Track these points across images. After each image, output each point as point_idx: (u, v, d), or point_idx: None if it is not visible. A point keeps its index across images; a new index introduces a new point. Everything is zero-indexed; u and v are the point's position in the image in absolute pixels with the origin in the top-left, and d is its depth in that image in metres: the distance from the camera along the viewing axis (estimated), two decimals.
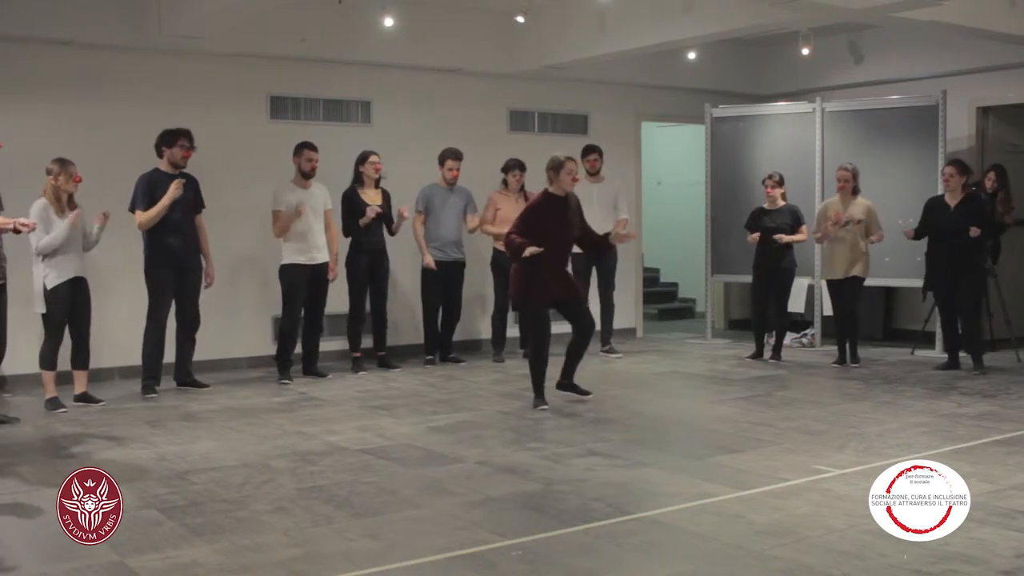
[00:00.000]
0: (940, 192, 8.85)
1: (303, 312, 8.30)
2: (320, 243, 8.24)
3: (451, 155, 8.95)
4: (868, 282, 9.01)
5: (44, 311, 6.97)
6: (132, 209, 7.54)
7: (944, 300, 8.61)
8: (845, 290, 8.84)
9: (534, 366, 7.00)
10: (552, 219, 6.97)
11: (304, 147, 8.23)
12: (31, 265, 6.97)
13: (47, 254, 6.88)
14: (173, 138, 7.64)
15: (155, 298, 7.62)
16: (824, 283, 9.59)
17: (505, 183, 9.25)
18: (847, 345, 8.92)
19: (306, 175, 8.20)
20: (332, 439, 6.09)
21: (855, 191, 8.83)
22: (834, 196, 8.97)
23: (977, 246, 8.37)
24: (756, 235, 9.15)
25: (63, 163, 6.94)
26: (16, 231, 6.36)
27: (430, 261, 8.87)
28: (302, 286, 8.16)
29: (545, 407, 6.92)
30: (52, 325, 7.00)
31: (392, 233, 8.74)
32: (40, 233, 6.83)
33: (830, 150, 10.05)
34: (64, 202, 6.96)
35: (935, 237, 8.53)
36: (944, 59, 10.03)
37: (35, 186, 7.10)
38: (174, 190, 7.47)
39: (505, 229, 8.94)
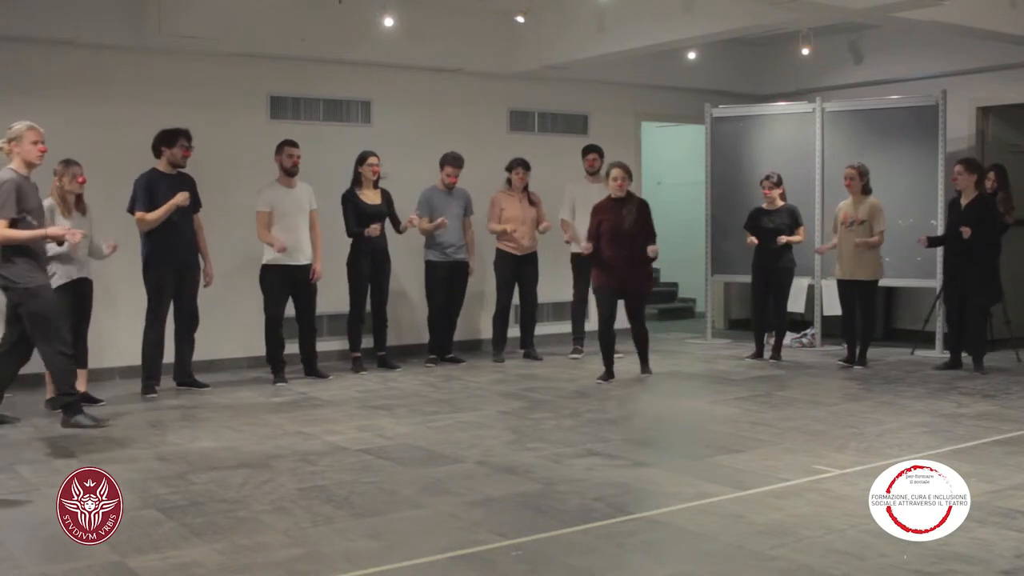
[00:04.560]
0: (941, 193, 8.89)
1: (295, 314, 8.28)
2: (304, 244, 8.15)
3: (450, 162, 8.93)
4: None
5: None
6: (131, 210, 7.53)
7: (951, 299, 8.61)
8: (860, 293, 8.81)
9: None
10: (609, 219, 8.05)
11: (285, 144, 8.18)
12: None
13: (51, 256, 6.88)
14: (173, 138, 7.63)
15: (154, 298, 7.62)
16: (824, 283, 9.62)
17: (509, 182, 9.25)
18: (856, 346, 8.89)
19: (288, 172, 8.14)
20: (332, 439, 6.09)
21: (866, 190, 8.81)
22: (847, 199, 8.94)
23: (988, 246, 8.37)
24: (754, 239, 9.14)
25: (67, 164, 6.94)
26: (59, 242, 6.37)
27: (438, 220, 8.76)
28: (283, 287, 8.12)
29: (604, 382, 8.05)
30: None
31: (399, 232, 8.75)
32: None
33: (830, 150, 10.05)
34: (71, 203, 6.97)
35: (950, 237, 8.56)
36: (944, 59, 10.03)
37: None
38: (180, 201, 7.45)
39: (510, 227, 9.03)
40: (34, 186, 6.26)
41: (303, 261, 8.17)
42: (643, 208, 8.11)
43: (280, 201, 8.07)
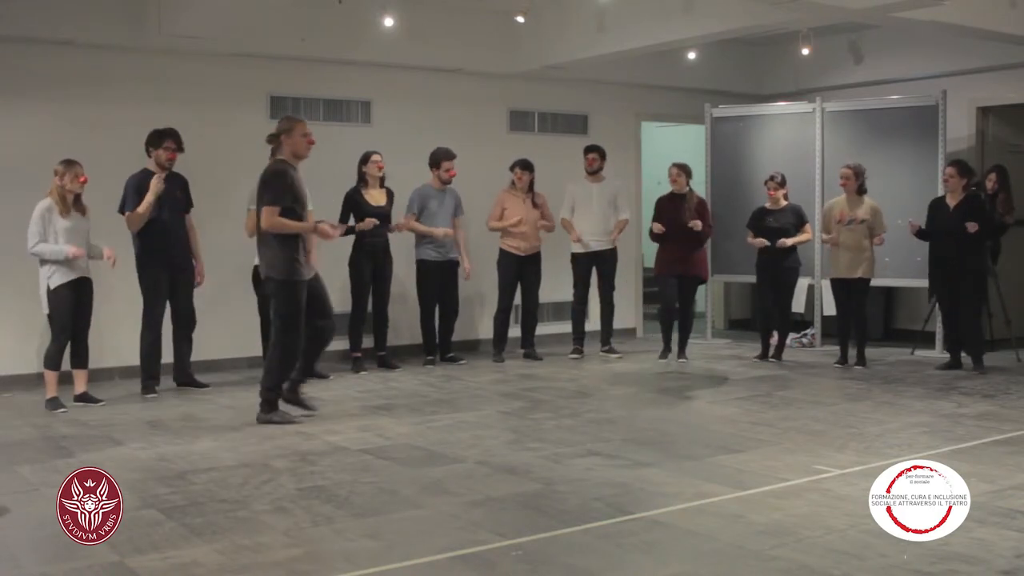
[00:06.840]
0: (940, 192, 8.88)
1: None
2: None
3: (447, 156, 8.90)
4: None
5: (48, 312, 6.98)
6: (122, 210, 7.50)
7: (945, 300, 8.61)
8: (852, 292, 8.81)
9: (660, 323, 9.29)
10: (669, 210, 9.00)
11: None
12: (37, 264, 6.97)
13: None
14: (159, 139, 7.57)
15: (148, 298, 7.60)
16: (824, 283, 9.61)
17: (513, 183, 9.27)
18: (851, 346, 8.87)
19: None
20: (332, 439, 6.09)
21: (861, 190, 8.80)
22: (840, 196, 8.95)
23: (977, 246, 8.38)
24: (761, 240, 9.11)
25: (68, 164, 6.94)
26: (325, 235, 6.58)
27: (441, 231, 8.83)
28: None
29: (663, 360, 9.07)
30: (56, 326, 7.00)
31: (391, 231, 8.74)
32: (37, 234, 6.84)
33: (830, 150, 10.05)
34: (70, 202, 6.97)
35: (936, 237, 8.55)
36: (944, 59, 10.03)
37: (35, 186, 7.13)
38: (156, 185, 7.39)
39: (514, 219, 9.00)
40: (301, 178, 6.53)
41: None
42: (701, 206, 9.05)
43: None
